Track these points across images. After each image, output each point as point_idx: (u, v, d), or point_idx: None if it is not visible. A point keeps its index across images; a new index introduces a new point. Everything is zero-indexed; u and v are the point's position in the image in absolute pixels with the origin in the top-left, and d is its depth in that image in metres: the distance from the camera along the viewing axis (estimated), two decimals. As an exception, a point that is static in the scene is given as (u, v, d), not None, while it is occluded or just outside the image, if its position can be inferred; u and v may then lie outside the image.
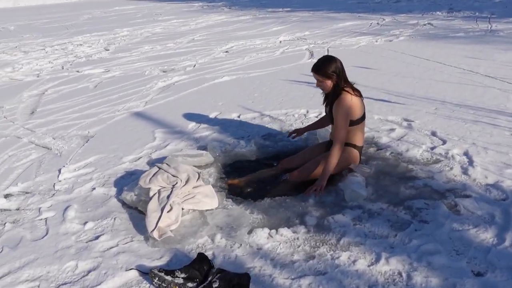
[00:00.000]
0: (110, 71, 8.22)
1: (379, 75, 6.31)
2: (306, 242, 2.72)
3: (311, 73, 3.35)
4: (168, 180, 3.16)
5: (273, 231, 2.83)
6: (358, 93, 3.31)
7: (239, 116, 5.04)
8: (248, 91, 6.01)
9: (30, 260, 2.77)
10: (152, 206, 2.96)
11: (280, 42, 9.89)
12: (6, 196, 3.65)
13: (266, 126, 4.67)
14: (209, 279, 2.32)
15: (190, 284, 2.35)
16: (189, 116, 5.18)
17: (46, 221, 3.20)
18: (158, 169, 3.32)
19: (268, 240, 2.75)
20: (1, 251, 2.92)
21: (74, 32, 14.71)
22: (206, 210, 3.07)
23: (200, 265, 2.43)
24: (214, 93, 6.05)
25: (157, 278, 2.38)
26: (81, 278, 2.57)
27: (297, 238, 2.76)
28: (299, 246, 2.68)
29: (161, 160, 3.86)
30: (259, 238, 2.76)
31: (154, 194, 3.08)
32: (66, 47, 11.61)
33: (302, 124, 4.60)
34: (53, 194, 3.58)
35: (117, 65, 8.71)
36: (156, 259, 2.68)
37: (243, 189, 3.46)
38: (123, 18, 18.47)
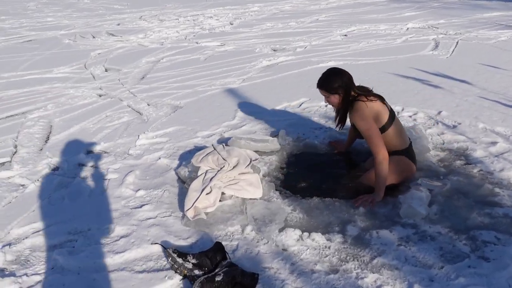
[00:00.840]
0: (225, 45, 8.44)
1: (506, 77, 5.40)
2: (336, 253, 2.47)
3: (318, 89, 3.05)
4: (217, 162, 3.13)
5: (306, 234, 2.62)
6: (374, 97, 2.92)
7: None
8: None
9: (79, 214, 2.98)
10: (195, 186, 2.96)
11: (407, 29, 9.08)
12: (88, 152, 3.99)
13: None
14: (216, 270, 2.24)
15: (197, 271, 2.30)
16: (276, 99, 5.06)
17: (108, 182, 3.41)
18: (212, 149, 3.30)
19: (296, 243, 2.56)
20: (63, 200, 3.19)
21: (210, 4, 15.43)
22: (249, 199, 2.95)
23: (213, 255, 2.37)
24: (312, 77, 5.75)
25: (170, 258, 2.39)
26: (113, 241, 2.69)
27: (329, 247, 2.52)
28: (326, 256, 2.44)
29: (228, 140, 3.83)
30: (287, 239, 2.59)
31: (201, 174, 3.07)
32: (197, 18, 12.25)
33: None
34: (125, 158, 3.80)
35: (234, 39, 8.90)
36: (183, 239, 2.68)
37: (298, 182, 3.26)
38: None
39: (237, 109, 4.80)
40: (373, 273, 2.30)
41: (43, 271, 2.45)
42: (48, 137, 4.39)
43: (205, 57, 7.44)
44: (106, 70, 6.97)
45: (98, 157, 3.86)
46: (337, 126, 3.12)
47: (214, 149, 3.30)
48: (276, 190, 3.15)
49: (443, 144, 3.69)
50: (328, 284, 2.24)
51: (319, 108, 4.69)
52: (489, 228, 2.59)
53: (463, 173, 3.22)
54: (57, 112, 5.06)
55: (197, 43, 8.67)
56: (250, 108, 4.79)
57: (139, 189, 3.26)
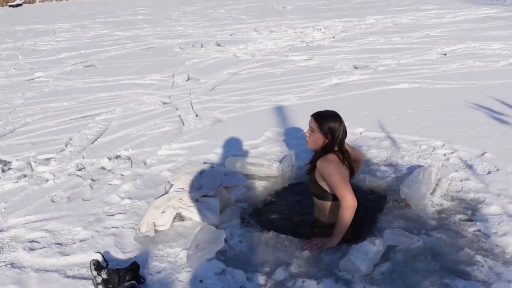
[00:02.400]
0: (311, 59, 8.35)
1: None
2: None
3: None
4: (187, 181, 3.19)
5: (230, 269, 2.54)
6: (348, 165, 2.70)
7: (361, 133, 4.44)
8: (408, 105, 5.15)
9: (65, 215, 3.33)
10: (157, 202, 3.07)
11: (527, 49, 7.83)
12: (116, 157, 4.38)
13: (376, 150, 3.97)
14: (115, 290, 2.33)
15: (100, 287, 2.41)
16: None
17: (108, 187, 3.72)
18: (192, 168, 3.37)
19: (214, 276, 2.49)
20: (64, 200, 3.59)
21: (329, 16, 15.30)
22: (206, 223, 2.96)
23: (125, 273, 2.45)
24: (372, 100, 5.43)
25: (90, 270, 2.54)
26: (70, 243, 2.96)
27: (242, 286, 2.40)
28: (233, 298, 2.33)
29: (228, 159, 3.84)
30: (208, 270, 2.54)
31: (169, 192, 3.17)
32: (305, 30, 12.29)
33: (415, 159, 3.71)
34: (138, 166, 4.09)
35: (323, 54, 8.74)
36: (124, 252, 2.81)
37: (271, 214, 3.14)
38: (388, 3, 17.95)
39: (270, 128, 4.75)
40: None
41: (2, 260, 2.80)
42: (96, 139, 4.91)
43: (282, 71, 7.47)
44: (187, 80, 7.47)
45: (119, 162, 4.20)
46: (308, 171, 2.90)
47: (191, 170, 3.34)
48: (242, 218, 3.07)
49: (458, 192, 3.17)
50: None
51: (350, 135, 4.37)
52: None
53: (453, 230, 2.74)
54: (119, 117, 5.63)
55: (286, 56, 8.73)
56: (283, 129, 4.71)
57: (127, 198, 3.48)
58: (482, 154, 3.69)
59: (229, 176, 3.40)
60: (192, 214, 2.93)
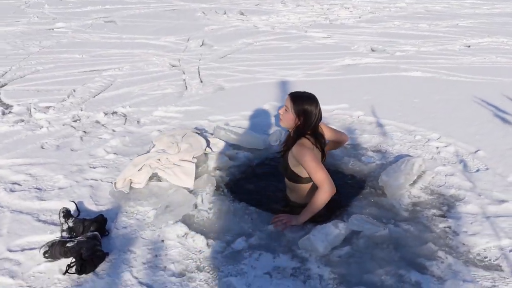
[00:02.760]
0: (330, 37, 8.18)
1: None
2: (201, 260, 2.38)
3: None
4: (169, 143, 3.21)
5: (192, 233, 2.58)
6: (320, 148, 2.66)
7: (359, 117, 4.37)
8: (416, 94, 5.01)
9: (50, 162, 3.41)
10: (136, 160, 3.12)
11: (556, 50, 7.48)
12: (112, 113, 4.44)
13: (369, 135, 3.91)
14: (75, 238, 2.39)
15: (65, 234, 2.48)
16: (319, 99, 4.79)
17: (98, 140, 3.78)
18: (177, 131, 3.39)
19: (176, 238, 2.53)
20: (53, 148, 3.67)
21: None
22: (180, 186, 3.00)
23: (89, 224, 2.51)
24: (380, 85, 5.32)
25: (59, 217, 2.62)
26: (49, 190, 3.04)
27: (199, 252, 2.44)
28: (188, 259, 2.37)
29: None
30: (171, 232, 2.58)
31: (149, 151, 3.20)
32: (331, 8, 11.99)
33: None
34: (131, 124, 4.14)
35: (343, 34, 8.55)
36: (96, 204, 2.88)
37: (247, 184, 3.15)
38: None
39: (269, 101, 4.71)
40: (209, 285, 2.17)
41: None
42: (99, 94, 4.97)
43: (297, 46, 7.35)
44: (201, 45, 7.43)
45: (114, 118, 4.26)
46: (282, 152, 2.86)
47: (174, 133, 3.36)
48: (218, 186, 3.09)
49: (440, 186, 3.11)
50: (163, 284, 2.19)
51: (350, 118, 4.31)
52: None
53: (423, 224, 2.70)
54: (125, 74, 5.66)
55: (305, 32, 8.57)
56: (280, 103, 4.66)
57: (113, 153, 3.54)
58: (476, 152, 3.59)
59: (213, 143, 3.40)
60: (168, 175, 2.96)
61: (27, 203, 2.85)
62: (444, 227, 2.65)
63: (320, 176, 2.54)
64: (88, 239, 2.37)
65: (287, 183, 2.86)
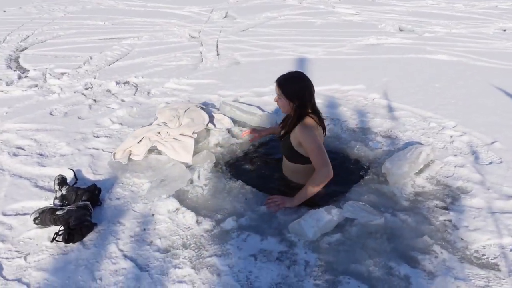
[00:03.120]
0: (359, 14, 7.89)
1: None
2: (188, 237, 2.36)
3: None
4: (171, 117, 3.18)
5: (183, 209, 2.56)
6: (322, 125, 2.59)
7: (373, 99, 4.22)
8: (438, 78, 4.79)
9: (56, 129, 3.45)
10: (136, 132, 3.11)
11: None
12: (124, 82, 4.43)
13: (381, 119, 3.76)
14: (66, 206, 2.42)
15: (57, 201, 2.51)
16: (332, 79, 4.65)
17: (105, 109, 3.79)
18: (182, 104, 3.35)
19: (166, 213, 2.52)
20: (62, 114, 3.71)
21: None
22: (178, 161, 2.98)
23: (82, 193, 2.52)
24: (402, 66, 5.11)
25: (53, 184, 2.64)
26: (51, 156, 3.08)
27: (188, 228, 2.42)
28: (176, 235, 2.36)
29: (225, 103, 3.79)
30: (162, 206, 2.57)
31: (152, 124, 3.18)
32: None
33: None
34: (141, 94, 4.12)
35: (375, 11, 8.22)
36: (94, 173, 2.89)
37: (247, 163, 3.10)
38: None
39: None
40: (192, 268, 2.15)
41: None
42: (114, 62, 4.97)
43: (322, 22, 7.13)
44: (224, 17, 7.30)
45: (125, 88, 4.25)
46: (281, 135, 2.78)
47: (178, 106, 3.32)
48: (217, 163, 3.05)
49: (447, 177, 2.98)
50: (147, 259, 2.20)
51: (364, 101, 4.16)
52: (365, 283, 2.12)
53: (422, 215, 2.60)
54: (144, 44, 5.63)
55: (333, 7, 8.29)
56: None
57: (118, 123, 3.54)
58: (492, 143, 3.41)
59: (217, 119, 3.35)
60: (166, 149, 2.94)
61: (27, 168, 2.89)
62: (444, 220, 2.54)
63: (320, 159, 2.48)
64: (78, 208, 2.38)
65: (288, 165, 2.79)
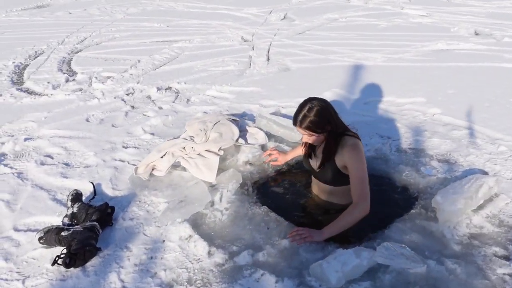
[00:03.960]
0: (429, 16, 7.25)
1: None
2: (196, 271, 2.13)
3: (296, 128, 2.32)
4: (198, 131, 2.97)
5: (196, 236, 2.33)
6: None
7: (434, 115, 3.74)
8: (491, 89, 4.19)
9: (88, 136, 3.38)
10: (162, 146, 2.94)
11: None
12: (166, 88, 4.32)
13: (439, 140, 3.30)
14: (76, 226, 2.28)
15: (66, 220, 2.39)
16: (390, 89, 4.20)
17: (140, 118, 3.67)
18: (212, 116, 3.14)
19: (177, 241, 2.32)
20: (97, 121, 3.64)
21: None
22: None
23: (93, 212, 2.39)
24: (472, 77, 4.52)
25: (67, 199, 2.53)
26: (77, 167, 3.00)
27: (198, 261, 2.19)
28: (183, 268, 2.14)
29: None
30: (174, 233, 2.37)
31: (179, 137, 3.00)
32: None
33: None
34: (180, 103, 3.97)
35: (449, 12, 7.52)
36: (113, 188, 2.76)
37: (276, 184, 2.82)
38: None
39: (333, 88, 4.24)
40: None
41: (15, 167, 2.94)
42: (160, 66, 4.88)
43: (387, 25, 6.61)
44: (282, 19, 7.03)
45: (165, 94, 4.13)
46: (319, 167, 2.44)
47: (207, 120, 3.10)
48: (244, 183, 2.80)
49: None
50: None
51: (422, 116, 3.69)
52: None
53: (476, 265, 2.16)
54: (194, 47, 5.52)
55: (401, 8, 7.70)
56: (347, 92, 4.17)
57: (150, 133, 3.40)
58: None
59: (251, 133, 3.08)
60: (190, 166, 2.73)
61: (50, 178, 2.81)
62: (503, 274, 2.08)
63: (363, 191, 2.25)
64: (85, 229, 2.23)
65: (327, 188, 2.48)
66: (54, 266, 2.12)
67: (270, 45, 5.51)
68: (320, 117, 2.22)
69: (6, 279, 2.06)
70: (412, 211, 2.53)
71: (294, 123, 2.29)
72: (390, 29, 6.29)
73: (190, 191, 2.60)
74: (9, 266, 2.14)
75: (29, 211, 2.52)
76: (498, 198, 2.59)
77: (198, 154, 2.78)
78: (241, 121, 3.26)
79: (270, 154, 2.86)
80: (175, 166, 2.85)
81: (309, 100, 2.28)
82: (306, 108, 2.25)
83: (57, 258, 2.11)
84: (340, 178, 2.38)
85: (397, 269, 2.07)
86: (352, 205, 2.23)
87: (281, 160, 2.82)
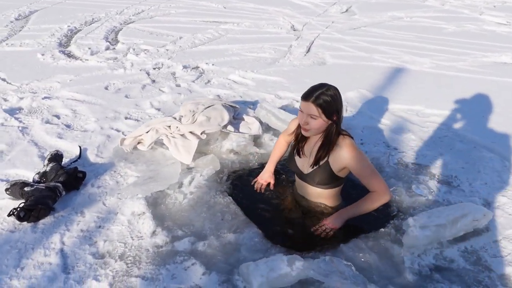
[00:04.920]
0: (508, 25, 6.57)
1: None
2: (135, 249, 2.17)
3: (304, 103, 2.10)
4: (188, 112, 2.98)
5: (147, 213, 2.36)
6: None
7: (449, 129, 3.42)
8: None
9: (99, 102, 3.52)
10: (151, 121, 2.99)
11: None
12: (193, 67, 4.37)
13: (450, 157, 3.01)
14: (36, 185, 2.40)
15: (36, 176, 2.52)
16: (415, 97, 3.90)
17: (156, 92, 3.75)
18: (210, 99, 3.13)
19: (129, 214, 2.36)
20: (115, 91, 3.78)
21: None
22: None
23: (61, 174, 2.49)
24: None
25: (46, 157, 2.67)
26: (75, 130, 3.14)
27: (140, 238, 2.22)
28: (125, 245, 2.18)
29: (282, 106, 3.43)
30: (128, 206, 2.41)
31: (169, 116, 3.03)
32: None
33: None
34: (200, 83, 3.99)
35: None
36: (97, 154, 2.86)
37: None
38: None
39: (361, 88, 4.03)
40: (109, 285, 1.94)
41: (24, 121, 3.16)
42: (198, 46, 4.94)
43: (455, 30, 6.10)
44: (343, 12, 6.78)
45: (189, 73, 4.18)
46: (312, 166, 2.27)
47: (202, 102, 3.08)
48: (220, 171, 2.76)
49: (496, 257, 2.22)
50: (77, 260, 2.06)
51: (445, 131, 3.38)
52: None
53: None
54: (239, 31, 5.51)
55: (480, 14, 7.05)
56: (371, 93, 3.93)
57: (156, 108, 3.48)
58: None
59: (246, 122, 3.01)
60: (170, 145, 2.74)
61: (47, 137, 2.97)
62: None
63: (380, 183, 2.18)
64: (46, 188, 2.33)
65: (316, 192, 2.35)
66: (10, 218, 2.23)
67: (316, 37, 5.31)
68: (334, 101, 2.08)
69: (-33, 219, 2.21)
70: (381, 229, 2.34)
71: (307, 98, 2.09)
72: (455, 35, 5.78)
73: (163, 170, 2.61)
74: (-27, 210, 2.28)
75: (14, 163, 2.68)
76: (487, 233, 2.31)
77: (182, 135, 2.77)
78: (241, 108, 3.19)
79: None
80: (161, 144, 2.86)
81: (326, 83, 2.14)
82: (324, 88, 2.10)
83: (14, 211, 2.22)
84: (332, 181, 2.26)
85: (331, 287, 1.92)
86: (376, 194, 2.17)
87: (270, 178, 2.58)
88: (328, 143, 2.17)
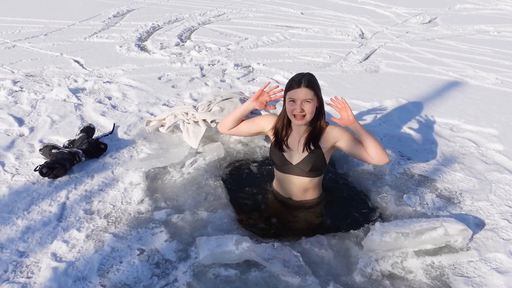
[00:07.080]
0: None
1: None
2: (118, 212, 2.51)
3: (298, 90, 2.18)
4: (206, 101, 3.26)
5: (141, 184, 2.69)
6: None
7: (487, 150, 3.24)
8: None
9: (147, 89, 3.97)
10: (175, 108, 3.33)
11: None
12: (245, 66, 4.65)
13: (465, 175, 2.89)
14: (63, 149, 2.87)
15: (66, 142, 2.98)
16: (457, 112, 3.71)
17: (199, 84, 4.11)
18: (233, 92, 3.38)
19: (127, 184, 2.71)
20: (169, 80, 4.23)
21: None
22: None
23: (85, 143, 2.94)
24: None
25: (79, 128, 3.15)
26: (117, 110, 3.62)
27: (127, 203, 2.56)
28: (113, 208, 2.54)
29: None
30: (129, 176, 2.76)
31: (197, 104, 3.34)
32: None
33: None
34: (243, 80, 4.27)
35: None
36: (125, 132, 3.27)
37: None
38: None
39: (399, 98, 3.96)
40: (86, 236, 2.29)
41: (89, 99, 3.72)
42: (259, 47, 5.21)
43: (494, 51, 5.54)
44: (425, 22, 6.54)
45: (238, 71, 4.47)
46: (306, 150, 2.32)
47: (228, 95, 3.33)
48: (223, 158, 3.00)
49: (461, 276, 2.15)
50: (70, 213, 2.45)
51: (472, 148, 3.22)
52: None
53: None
54: (305, 35, 5.66)
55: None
56: (410, 103, 3.84)
57: (193, 99, 3.83)
58: None
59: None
60: (183, 129, 3.04)
61: (92, 113, 3.46)
62: None
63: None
64: (68, 153, 2.76)
65: (304, 184, 2.42)
66: (36, 173, 2.70)
67: (382, 45, 5.25)
68: (318, 83, 2.26)
69: (6, 171, 2.73)
70: (351, 230, 2.37)
71: (299, 84, 2.16)
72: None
73: (171, 150, 2.90)
74: (15, 163, 2.80)
75: (58, 131, 3.18)
76: (465, 252, 2.23)
77: (196, 122, 3.04)
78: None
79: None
80: (179, 128, 3.17)
81: (303, 72, 2.30)
82: (306, 73, 2.26)
83: (39, 167, 2.68)
84: (322, 166, 2.36)
85: (272, 272, 2.04)
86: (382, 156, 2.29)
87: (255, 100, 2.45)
88: (319, 126, 2.29)
